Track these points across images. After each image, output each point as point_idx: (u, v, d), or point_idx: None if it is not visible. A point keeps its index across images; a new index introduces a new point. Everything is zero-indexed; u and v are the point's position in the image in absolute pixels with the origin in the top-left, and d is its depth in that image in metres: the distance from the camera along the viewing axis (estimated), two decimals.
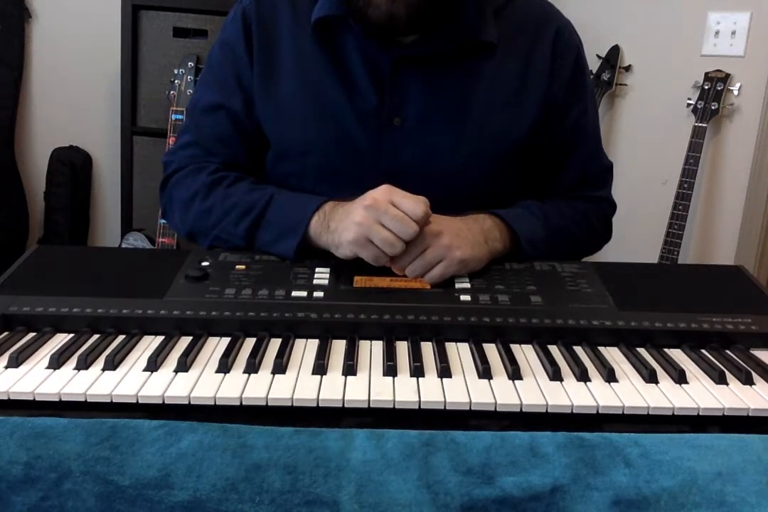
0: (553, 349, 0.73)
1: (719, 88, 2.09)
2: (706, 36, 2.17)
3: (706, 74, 2.11)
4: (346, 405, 0.62)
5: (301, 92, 0.99)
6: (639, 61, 2.29)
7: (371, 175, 0.96)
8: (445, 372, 0.66)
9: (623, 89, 2.32)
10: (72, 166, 2.44)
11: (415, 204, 0.80)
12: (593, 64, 2.28)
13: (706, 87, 2.10)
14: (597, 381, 0.67)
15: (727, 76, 2.09)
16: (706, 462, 0.55)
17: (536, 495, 0.54)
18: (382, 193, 0.82)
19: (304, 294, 0.79)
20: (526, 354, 0.72)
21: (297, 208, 0.91)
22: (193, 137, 1.05)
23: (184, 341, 0.72)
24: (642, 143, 2.32)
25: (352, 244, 0.81)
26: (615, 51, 2.28)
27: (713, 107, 2.08)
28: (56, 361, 0.66)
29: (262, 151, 1.05)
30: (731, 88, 2.10)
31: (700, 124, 2.08)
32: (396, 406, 0.61)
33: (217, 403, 0.61)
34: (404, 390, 0.63)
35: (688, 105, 2.14)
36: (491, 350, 0.72)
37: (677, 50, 2.21)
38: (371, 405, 0.62)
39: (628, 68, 2.30)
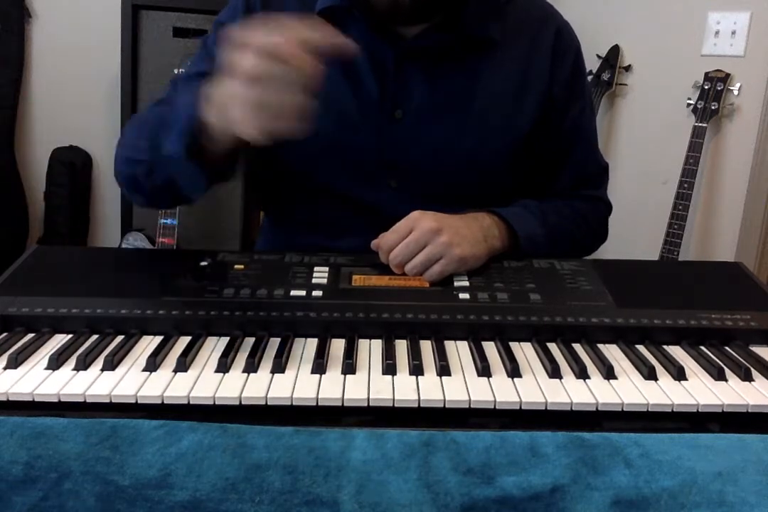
0: (552, 347, 0.73)
1: (719, 88, 2.09)
2: (706, 36, 2.17)
3: (706, 74, 2.12)
4: (345, 404, 0.61)
5: None
6: (639, 61, 2.29)
7: (372, 167, 0.96)
8: (444, 370, 0.66)
9: (623, 89, 2.32)
10: (72, 166, 2.44)
11: (276, 35, 0.66)
12: (593, 64, 2.28)
13: (706, 87, 2.10)
14: (596, 378, 0.67)
15: (727, 76, 2.10)
16: (706, 462, 0.55)
17: (536, 495, 0.54)
18: (237, 48, 0.67)
19: (302, 293, 0.79)
20: (525, 352, 0.72)
21: (186, 100, 0.80)
22: (165, 97, 1.01)
23: (183, 341, 0.72)
24: (642, 143, 2.32)
25: (245, 121, 0.68)
26: (615, 51, 2.28)
27: (713, 107, 2.08)
28: (55, 362, 0.66)
29: None
30: (731, 88, 2.11)
31: (700, 124, 2.08)
32: (395, 405, 0.61)
33: (216, 403, 0.61)
34: (404, 389, 0.63)
35: (688, 105, 2.14)
36: (490, 348, 0.72)
37: (677, 50, 2.22)
38: (371, 404, 0.61)
39: (628, 68, 2.30)
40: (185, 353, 0.68)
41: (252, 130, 0.68)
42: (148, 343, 0.72)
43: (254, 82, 0.66)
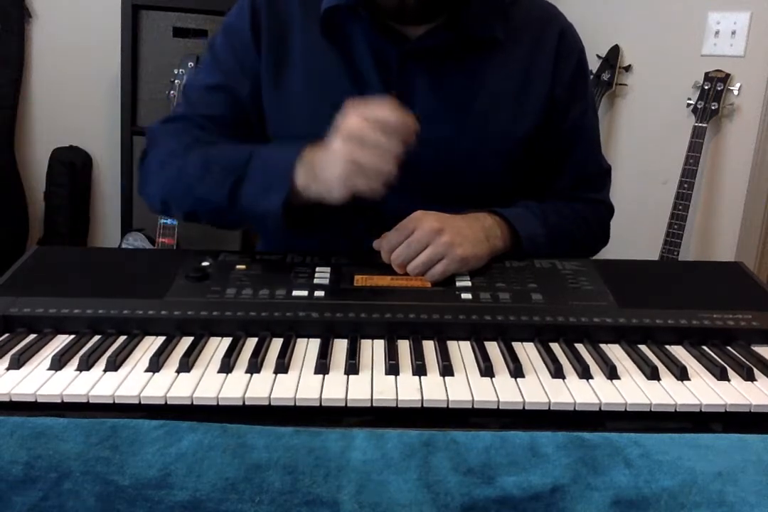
0: (555, 347, 0.73)
1: (719, 88, 2.09)
2: (706, 36, 2.17)
3: (706, 74, 2.11)
4: (348, 405, 0.61)
5: (308, 83, 0.99)
6: (639, 61, 2.29)
7: None
8: (447, 370, 0.66)
9: (623, 89, 2.32)
10: (72, 166, 2.44)
11: (388, 112, 0.76)
12: (593, 64, 2.28)
13: (706, 87, 2.10)
14: (599, 378, 0.67)
15: (727, 76, 2.09)
16: (706, 462, 0.55)
17: (536, 495, 0.54)
18: (352, 116, 0.77)
19: (305, 293, 0.79)
20: (527, 351, 0.72)
21: (279, 160, 0.86)
22: (184, 112, 1.02)
23: (186, 341, 0.72)
24: (642, 143, 2.32)
25: (341, 178, 0.77)
26: (615, 51, 2.28)
27: (713, 107, 2.08)
28: (58, 362, 0.66)
29: (254, 136, 1.03)
30: (731, 88, 2.10)
31: (700, 124, 2.08)
32: (398, 405, 0.61)
33: (219, 403, 0.61)
34: (407, 389, 0.63)
35: (688, 105, 2.14)
36: (493, 348, 0.72)
37: (677, 50, 2.22)
38: (374, 404, 0.61)
39: (628, 68, 2.30)
40: (188, 353, 0.68)
41: (343, 188, 0.78)
42: (151, 344, 0.72)
43: (361, 144, 0.75)
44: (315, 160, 0.82)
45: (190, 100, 1.03)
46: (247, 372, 0.66)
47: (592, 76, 2.28)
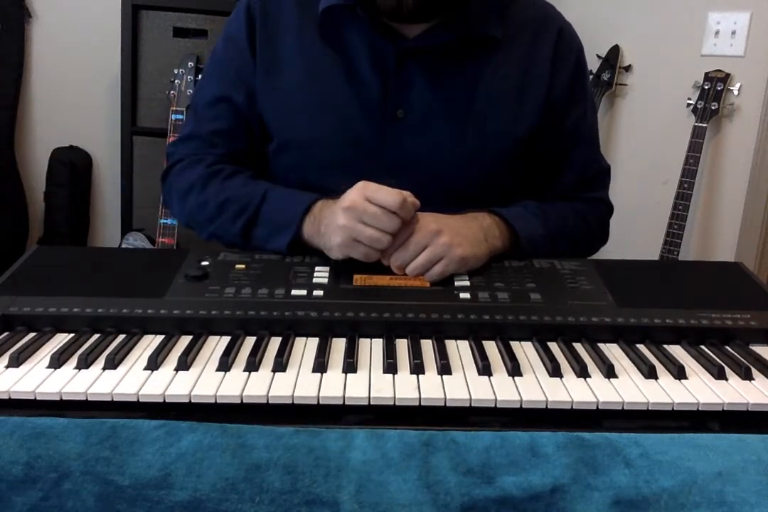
0: (553, 346, 0.73)
1: (719, 88, 2.09)
2: (706, 36, 2.17)
3: (706, 74, 2.11)
4: (346, 403, 0.62)
5: (306, 84, 0.99)
6: (639, 61, 2.29)
7: (374, 167, 0.97)
8: (445, 369, 0.66)
9: (623, 89, 2.32)
10: (72, 166, 2.44)
11: (389, 196, 0.81)
12: (593, 64, 2.28)
13: (706, 87, 2.10)
14: (597, 377, 0.67)
15: (727, 76, 2.09)
16: (706, 462, 0.55)
17: (536, 495, 0.54)
18: (357, 191, 0.82)
19: (303, 292, 0.79)
20: (525, 351, 0.72)
21: (289, 207, 0.93)
22: (193, 129, 1.06)
23: (185, 340, 0.72)
24: (642, 143, 2.32)
25: (340, 246, 0.83)
26: (615, 51, 2.28)
27: (713, 107, 2.08)
28: (57, 361, 0.66)
29: (263, 143, 1.05)
30: (731, 88, 2.10)
31: (700, 124, 2.08)
32: (396, 403, 0.61)
33: (217, 402, 0.61)
34: (404, 388, 0.63)
35: (688, 105, 2.14)
36: (491, 347, 0.72)
37: (677, 50, 2.21)
38: (371, 403, 0.62)
39: (628, 68, 2.30)
40: (186, 352, 0.68)
41: (340, 254, 0.84)
42: (150, 342, 0.72)
43: (360, 221, 0.81)
44: (321, 217, 0.88)
45: (197, 117, 1.07)
46: (245, 370, 0.66)
47: (592, 76, 2.28)
